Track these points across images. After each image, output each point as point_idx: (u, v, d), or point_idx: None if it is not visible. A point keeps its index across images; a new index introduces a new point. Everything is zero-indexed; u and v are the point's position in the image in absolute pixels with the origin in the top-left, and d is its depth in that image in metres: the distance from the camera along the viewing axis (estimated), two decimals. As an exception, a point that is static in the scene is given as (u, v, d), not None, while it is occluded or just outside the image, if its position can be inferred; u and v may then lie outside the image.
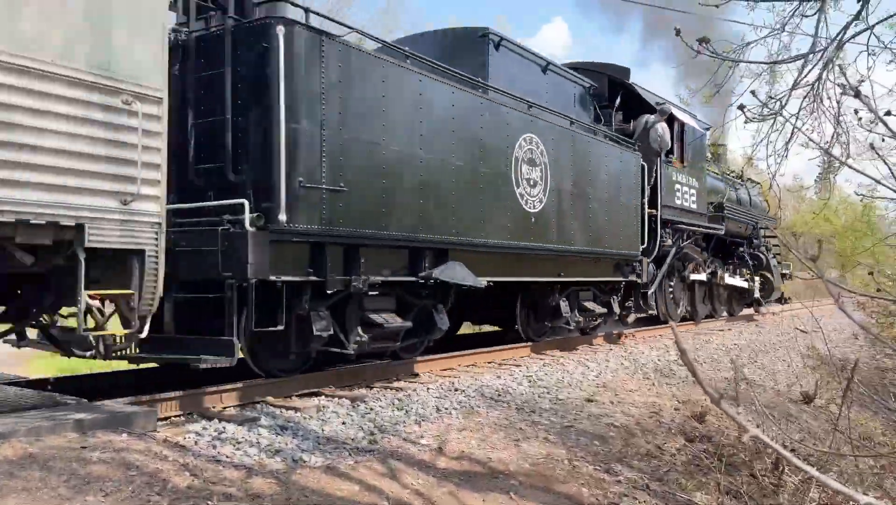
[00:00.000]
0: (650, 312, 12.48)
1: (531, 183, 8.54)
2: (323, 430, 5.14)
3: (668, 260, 12.44)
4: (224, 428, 4.91)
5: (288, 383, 6.22)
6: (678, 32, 2.24)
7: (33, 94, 4.13)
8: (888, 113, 1.95)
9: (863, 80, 4.85)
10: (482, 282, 7.46)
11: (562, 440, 5.74)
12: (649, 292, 11.75)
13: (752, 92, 2.82)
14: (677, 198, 12.49)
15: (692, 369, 0.74)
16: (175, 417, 5.24)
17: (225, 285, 5.48)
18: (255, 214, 5.44)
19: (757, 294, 17.15)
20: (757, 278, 17.16)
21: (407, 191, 6.78)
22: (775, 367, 10.67)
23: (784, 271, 18.75)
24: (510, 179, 8.16)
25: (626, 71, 12.25)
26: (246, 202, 5.43)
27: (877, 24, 4.56)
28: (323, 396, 6.19)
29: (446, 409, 6.10)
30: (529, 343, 9.65)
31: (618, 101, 11.75)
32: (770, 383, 9.56)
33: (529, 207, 8.52)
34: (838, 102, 4.32)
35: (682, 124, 12.88)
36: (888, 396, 8.56)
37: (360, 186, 6.26)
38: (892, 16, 4.84)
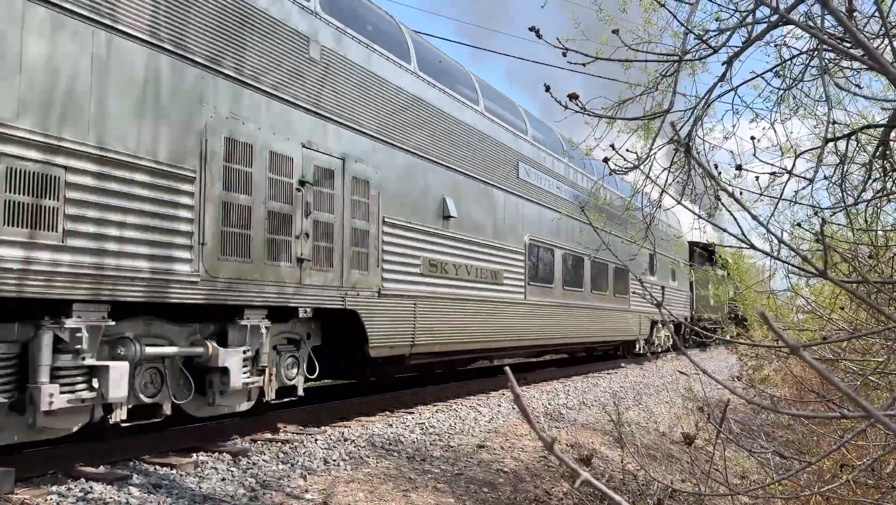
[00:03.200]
0: None
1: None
2: (200, 487, 4.88)
3: None
4: (90, 488, 4.57)
5: (164, 439, 5.89)
6: (547, 89, 2.33)
7: None
8: (739, 167, 2.09)
9: (728, 137, 5.21)
10: None
11: (451, 489, 5.69)
12: None
13: (612, 145, 2.95)
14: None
15: (525, 415, 0.73)
16: (36, 476, 4.85)
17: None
18: None
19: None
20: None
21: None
22: (658, 409, 11.05)
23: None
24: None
25: None
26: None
27: (739, 85, 4.91)
28: (202, 452, 5.89)
29: (334, 460, 5.94)
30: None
31: None
32: (653, 425, 9.87)
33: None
34: (706, 159, 4.59)
35: None
36: (761, 434, 9.01)
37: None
38: (752, 78, 5.23)
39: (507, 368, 0.88)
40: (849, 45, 2.41)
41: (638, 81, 4.91)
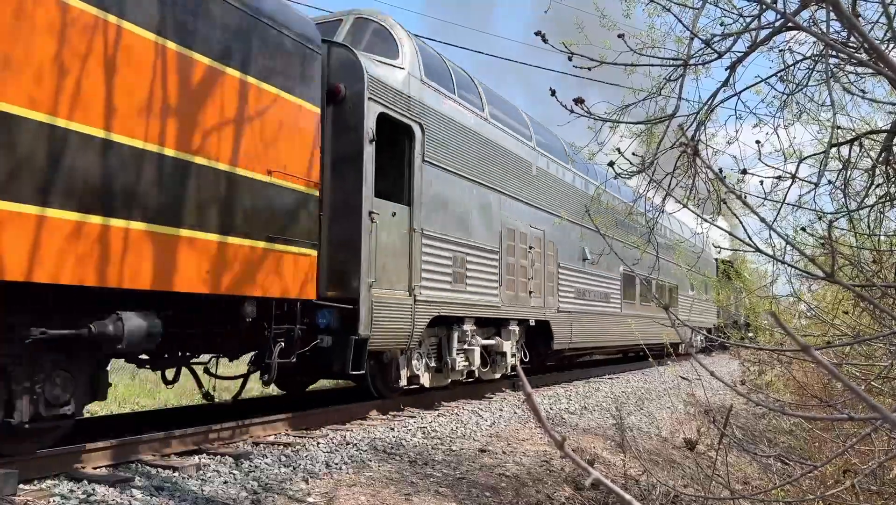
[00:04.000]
0: None
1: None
2: (203, 490, 4.88)
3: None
4: (93, 490, 4.58)
5: (167, 440, 5.89)
6: (553, 93, 2.34)
7: None
8: (744, 171, 2.09)
9: (731, 142, 5.21)
10: None
11: (453, 492, 5.68)
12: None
13: (618, 149, 2.95)
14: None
15: (537, 413, 0.73)
16: (39, 478, 4.85)
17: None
18: None
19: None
20: None
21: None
22: (660, 414, 11.03)
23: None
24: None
25: None
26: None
27: (743, 90, 4.92)
28: (205, 455, 5.89)
29: (336, 464, 5.94)
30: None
31: None
32: (655, 430, 9.86)
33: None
34: (710, 162, 4.59)
35: None
36: (763, 440, 8.99)
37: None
38: (756, 83, 5.24)
39: (520, 369, 0.89)
40: (853, 49, 2.41)
41: (637, 86, 4.92)
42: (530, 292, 11.49)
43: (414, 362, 8.82)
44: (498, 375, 10.94)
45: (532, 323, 11.56)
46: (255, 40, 6.34)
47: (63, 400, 5.01)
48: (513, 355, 10.93)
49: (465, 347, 9.75)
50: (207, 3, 5.88)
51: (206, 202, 5.81)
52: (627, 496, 0.78)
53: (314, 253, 6.99)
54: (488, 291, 10.12)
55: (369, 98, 7.74)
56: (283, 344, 6.72)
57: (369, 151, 7.67)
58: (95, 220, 4.85)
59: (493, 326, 10.67)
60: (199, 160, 5.73)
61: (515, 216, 11.18)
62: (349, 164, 7.60)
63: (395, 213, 8.18)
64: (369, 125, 7.72)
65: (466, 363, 9.80)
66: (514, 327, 11.06)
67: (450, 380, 9.70)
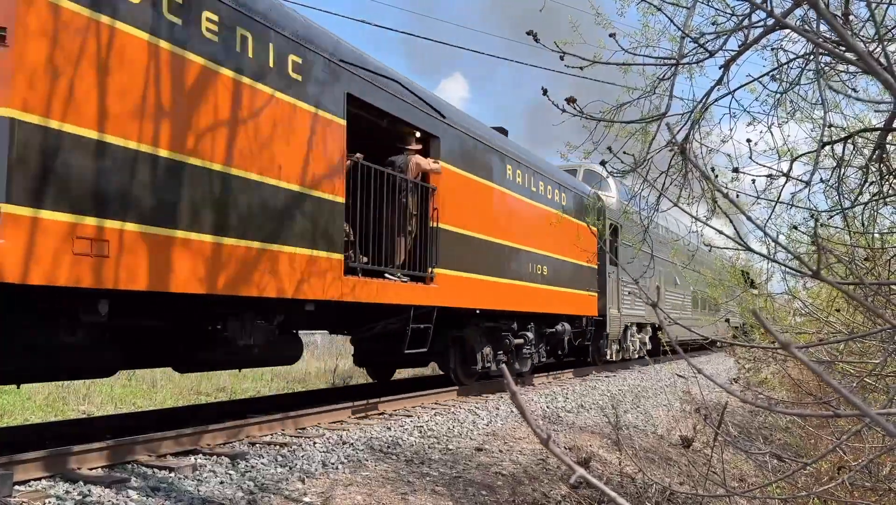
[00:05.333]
0: None
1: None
2: (199, 490, 4.88)
3: None
4: (89, 491, 4.57)
5: (163, 440, 5.89)
6: (545, 92, 2.34)
7: None
8: (735, 170, 2.10)
9: (725, 141, 5.22)
10: None
11: (450, 491, 5.69)
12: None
13: (609, 148, 2.96)
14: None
15: (521, 410, 0.74)
16: (35, 480, 4.85)
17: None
18: None
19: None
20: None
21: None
22: (656, 412, 11.06)
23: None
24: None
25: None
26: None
27: (737, 89, 4.93)
28: (200, 455, 5.89)
29: (333, 463, 5.94)
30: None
31: None
32: (651, 428, 9.88)
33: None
34: (702, 161, 4.61)
35: None
36: (759, 437, 9.02)
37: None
38: (749, 82, 5.25)
39: (504, 367, 0.90)
40: (844, 48, 2.42)
41: (631, 86, 4.92)
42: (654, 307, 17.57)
43: (614, 346, 16.65)
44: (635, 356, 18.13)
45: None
46: (577, 199, 14.15)
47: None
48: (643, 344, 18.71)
49: (630, 338, 17.65)
50: (574, 194, 14.14)
51: (535, 273, 12.03)
52: (611, 492, 0.78)
53: (596, 294, 15.09)
54: (643, 309, 18.26)
55: (607, 217, 14.92)
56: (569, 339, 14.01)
57: (610, 243, 15.39)
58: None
59: (648, 328, 18.83)
60: (528, 248, 11.89)
61: (668, 270, 20.25)
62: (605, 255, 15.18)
63: (610, 273, 15.88)
64: (612, 233, 15.29)
65: (634, 347, 17.88)
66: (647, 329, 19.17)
67: (623, 357, 17.22)
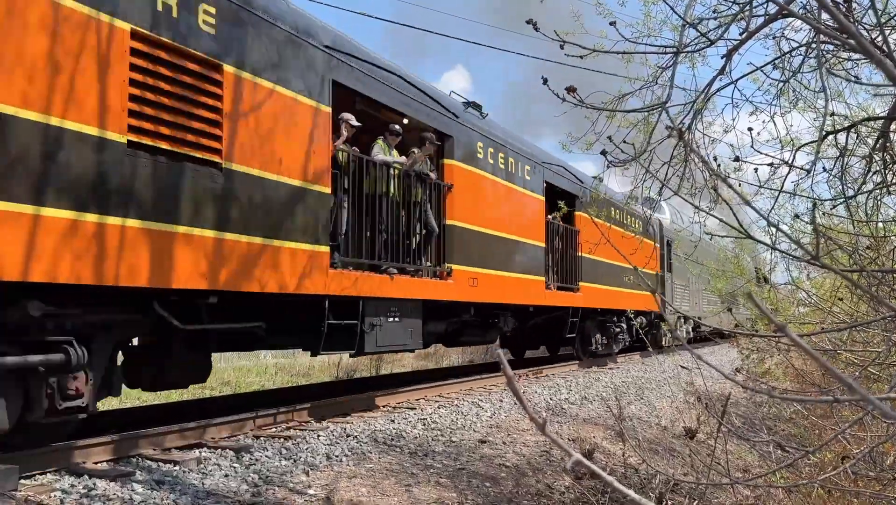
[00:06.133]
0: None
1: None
2: (204, 483, 4.90)
3: None
4: (94, 484, 4.59)
5: (167, 434, 5.91)
6: (545, 81, 2.33)
7: None
8: (737, 159, 2.08)
9: (728, 131, 5.20)
10: None
11: (454, 483, 5.70)
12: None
13: (609, 137, 2.95)
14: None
15: (518, 396, 0.74)
16: (40, 474, 4.87)
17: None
18: None
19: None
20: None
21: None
22: (660, 403, 11.06)
23: None
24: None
25: None
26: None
27: (739, 78, 4.91)
28: (205, 448, 5.91)
29: (337, 456, 5.96)
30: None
31: None
32: (655, 420, 9.88)
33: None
34: (701, 149, 4.59)
35: None
36: (763, 428, 9.01)
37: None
38: (752, 72, 5.23)
39: (500, 352, 0.89)
40: (846, 36, 2.41)
41: (633, 76, 4.90)
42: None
43: (668, 336, 17.25)
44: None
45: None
46: (642, 222, 16.43)
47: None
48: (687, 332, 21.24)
49: (678, 329, 19.34)
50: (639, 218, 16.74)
51: (631, 282, 16.45)
52: (608, 477, 0.78)
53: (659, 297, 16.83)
54: (687, 305, 22.11)
55: (663, 235, 19.56)
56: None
57: (665, 255, 19.75)
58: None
59: (691, 321, 20.83)
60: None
61: (697, 272, 20.89)
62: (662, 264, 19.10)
63: (662, 276, 19.11)
64: (665, 246, 19.67)
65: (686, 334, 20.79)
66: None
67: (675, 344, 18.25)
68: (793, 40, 4.44)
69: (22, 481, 4.52)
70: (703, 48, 3.56)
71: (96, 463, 5.19)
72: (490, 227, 10.12)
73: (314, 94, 6.84)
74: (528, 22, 2.50)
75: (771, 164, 3.24)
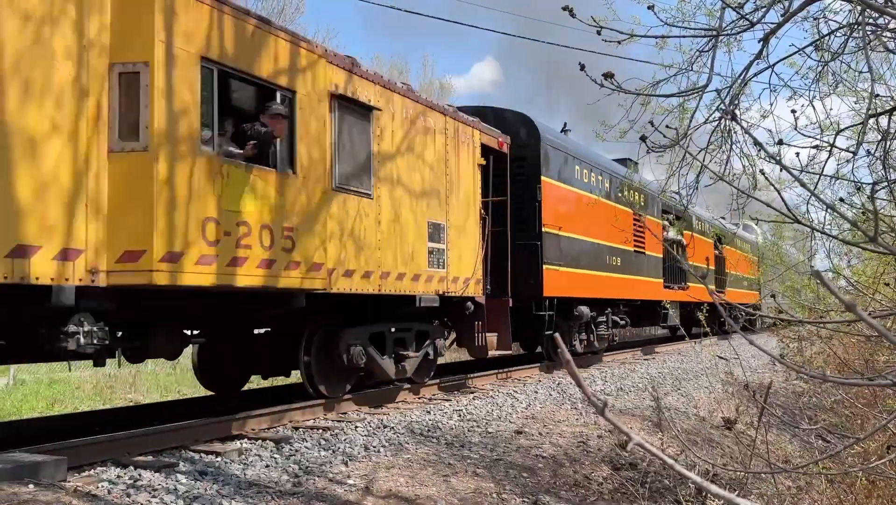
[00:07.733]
0: None
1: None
2: (245, 474, 4.97)
3: None
4: (139, 475, 4.69)
5: (208, 427, 6.01)
6: (582, 67, 2.32)
7: None
8: (780, 142, 2.06)
9: (765, 116, 5.11)
10: None
11: (491, 473, 5.72)
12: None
13: (651, 122, 2.92)
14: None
15: (577, 380, 0.74)
16: (87, 465, 4.99)
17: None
18: None
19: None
20: None
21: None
22: (698, 394, 10.95)
23: None
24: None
25: None
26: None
27: (777, 63, 4.82)
28: (246, 439, 6.00)
29: (374, 447, 6.01)
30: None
31: None
32: (693, 410, 9.79)
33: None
34: (743, 137, 4.53)
35: None
36: (803, 418, 8.88)
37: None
38: (789, 55, 5.13)
39: (557, 336, 0.90)
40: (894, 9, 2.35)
41: (661, 63, 4.84)
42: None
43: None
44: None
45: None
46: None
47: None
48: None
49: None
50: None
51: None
52: (669, 459, 0.78)
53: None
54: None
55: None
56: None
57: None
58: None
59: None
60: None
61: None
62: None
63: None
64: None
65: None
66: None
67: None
68: (833, 21, 4.36)
69: (70, 473, 4.63)
70: (743, 31, 3.51)
71: (141, 455, 5.29)
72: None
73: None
74: (564, 9, 2.49)
75: (816, 147, 3.18)
